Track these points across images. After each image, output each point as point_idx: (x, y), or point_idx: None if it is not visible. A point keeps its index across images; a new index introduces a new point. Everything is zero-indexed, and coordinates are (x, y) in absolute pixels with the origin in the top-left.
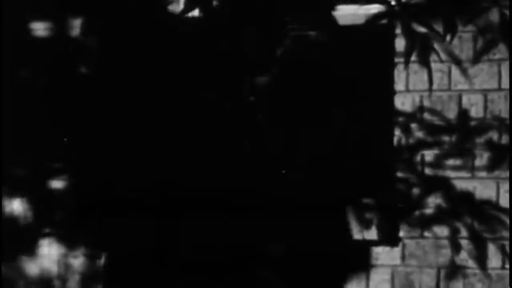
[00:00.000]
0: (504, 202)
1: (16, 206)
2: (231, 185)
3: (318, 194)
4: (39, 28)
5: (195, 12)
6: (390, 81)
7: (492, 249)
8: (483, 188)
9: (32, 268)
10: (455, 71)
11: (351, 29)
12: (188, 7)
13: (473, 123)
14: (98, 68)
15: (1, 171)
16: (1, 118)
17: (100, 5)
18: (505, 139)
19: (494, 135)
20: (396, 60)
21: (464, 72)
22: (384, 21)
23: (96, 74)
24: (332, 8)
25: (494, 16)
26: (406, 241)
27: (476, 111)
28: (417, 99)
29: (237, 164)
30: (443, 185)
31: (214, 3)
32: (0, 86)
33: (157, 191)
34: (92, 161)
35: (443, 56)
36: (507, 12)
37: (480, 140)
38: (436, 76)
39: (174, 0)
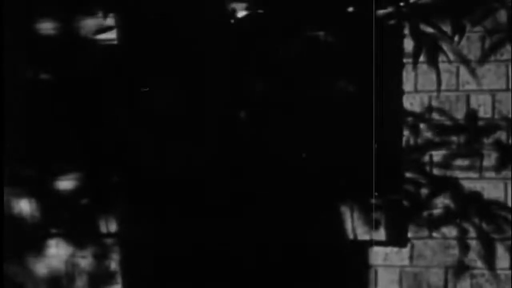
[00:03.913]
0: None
1: (24, 206)
2: (247, 187)
3: (326, 193)
4: (46, 28)
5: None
6: (399, 81)
7: (500, 250)
8: (491, 188)
9: (40, 268)
10: (463, 72)
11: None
12: None
13: (481, 123)
14: (106, 68)
15: (2, 171)
16: (2, 118)
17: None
18: None
19: (502, 135)
20: (405, 60)
21: (472, 72)
22: (392, 22)
23: (105, 74)
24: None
25: (502, 17)
26: (415, 241)
27: (484, 111)
28: (426, 99)
29: (255, 164)
30: (451, 186)
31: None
32: (1, 86)
33: (159, 190)
34: (98, 161)
35: (451, 56)
36: None
37: (488, 140)
38: (444, 76)
39: None
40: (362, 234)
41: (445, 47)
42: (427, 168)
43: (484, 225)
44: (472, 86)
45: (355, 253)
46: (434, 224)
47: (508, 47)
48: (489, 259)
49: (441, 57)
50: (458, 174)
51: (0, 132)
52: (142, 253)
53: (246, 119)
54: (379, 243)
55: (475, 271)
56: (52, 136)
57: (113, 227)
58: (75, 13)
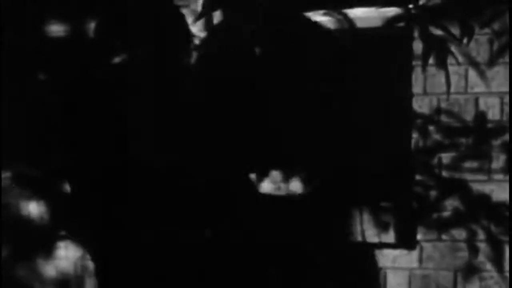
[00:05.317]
0: None
1: (33, 208)
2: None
3: (335, 196)
4: (55, 30)
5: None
6: (408, 83)
7: (509, 252)
8: (500, 190)
9: (49, 270)
10: (472, 74)
11: (369, 32)
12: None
13: (489, 125)
14: (112, 69)
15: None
16: (1, 119)
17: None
18: None
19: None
20: (414, 63)
21: (480, 75)
22: (401, 24)
23: (111, 75)
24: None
25: (510, 19)
26: (424, 244)
27: (492, 114)
28: (435, 101)
29: (264, 167)
30: (460, 188)
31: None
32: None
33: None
34: (106, 163)
35: (460, 59)
36: None
37: (496, 142)
38: (453, 79)
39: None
40: (371, 236)
41: (453, 49)
42: (436, 170)
43: (493, 227)
44: (481, 88)
45: (364, 255)
46: (443, 226)
47: None
48: (498, 261)
49: (450, 60)
50: (467, 176)
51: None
52: (153, 253)
53: (258, 116)
54: (388, 246)
55: (484, 274)
56: (62, 138)
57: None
58: (85, 15)
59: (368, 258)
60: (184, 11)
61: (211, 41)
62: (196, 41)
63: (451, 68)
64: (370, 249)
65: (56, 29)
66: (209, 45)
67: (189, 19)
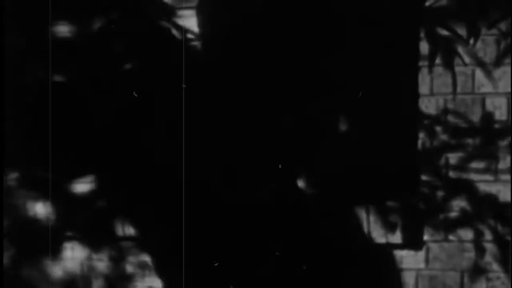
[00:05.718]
0: None
1: (39, 209)
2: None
3: (342, 196)
4: (61, 31)
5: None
6: (415, 84)
7: (511, 252)
8: (507, 191)
9: (55, 270)
10: (479, 74)
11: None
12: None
13: (496, 126)
14: (117, 69)
15: (2, 172)
16: (2, 118)
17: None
18: None
19: None
20: (420, 63)
21: (487, 75)
22: (408, 24)
23: (115, 74)
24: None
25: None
26: (430, 244)
27: (499, 114)
28: (441, 102)
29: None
30: (467, 188)
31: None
32: (1, 87)
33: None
34: (114, 163)
35: (466, 59)
36: None
37: (503, 143)
38: (459, 79)
39: None
40: (378, 237)
41: (460, 50)
42: (443, 171)
43: (499, 228)
44: (488, 88)
45: (371, 256)
46: (450, 227)
47: None
48: (505, 262)
49: (457, 60)
50: (474, 176)
51: (1, 133)
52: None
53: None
54: (395, 246)
55: (491, 274)
56: (68, 139)
57: (130, 230)
58: (91, 16)
59: (376, 259)
60: (190, 12)
61: (216, 40)
62: (199, 40)
63: (457, 69)
64: (377, 249)
65: (61, 29)
66: (214, 44)
67: (195, 20)
